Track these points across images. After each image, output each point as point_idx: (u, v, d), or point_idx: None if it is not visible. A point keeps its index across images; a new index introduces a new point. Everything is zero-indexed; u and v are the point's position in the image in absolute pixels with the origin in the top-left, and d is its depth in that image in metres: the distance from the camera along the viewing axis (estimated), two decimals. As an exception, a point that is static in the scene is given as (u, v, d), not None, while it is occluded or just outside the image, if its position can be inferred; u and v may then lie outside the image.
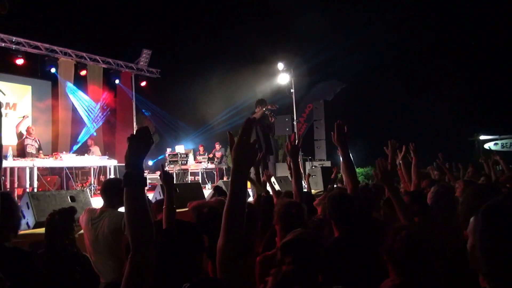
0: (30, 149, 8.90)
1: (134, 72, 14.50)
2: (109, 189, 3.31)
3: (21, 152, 8.74)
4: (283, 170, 11.96)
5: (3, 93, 11.65)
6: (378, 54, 16.22)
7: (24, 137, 9.01)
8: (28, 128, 9.37)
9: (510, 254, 0.82)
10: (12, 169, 8.05)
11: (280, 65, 11.83)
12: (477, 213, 0.90)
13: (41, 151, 9.15)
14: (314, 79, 14.78)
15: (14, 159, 8.01)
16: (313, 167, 11.41)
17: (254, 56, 14.17)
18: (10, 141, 9.36)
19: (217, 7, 16.81)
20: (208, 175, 12.34)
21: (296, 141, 3.12)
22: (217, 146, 13.46)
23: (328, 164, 11.89)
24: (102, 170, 9.84)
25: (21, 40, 11.34)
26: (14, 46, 11.21)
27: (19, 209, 2.52)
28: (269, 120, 8.01)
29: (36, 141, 9.23)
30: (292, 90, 11.89)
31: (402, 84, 17.20)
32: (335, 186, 6.74)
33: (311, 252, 1.78)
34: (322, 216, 3.25)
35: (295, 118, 12.01)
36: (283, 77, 11.85)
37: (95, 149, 11.01)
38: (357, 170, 12.16)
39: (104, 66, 13.60)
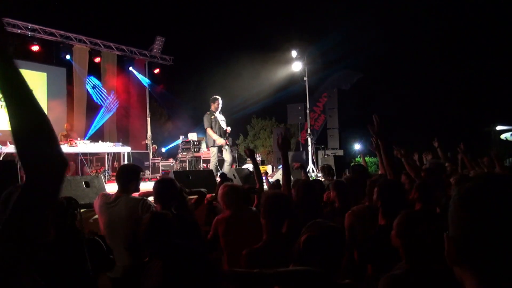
0: None
1: (147, 59, 14.53)
2: (124, 174, 3.34)
3: None
4: (295, 158, 11.93)
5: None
6: (395, 43, 15.93)
7: None
8: None
9: (502, 241, 0.76)
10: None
11: (294, 53, 11.72)
12: (451, 201, 0.84)
13: None
14: (328, 67, 14.61)
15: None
16: (326, 156, 11.36)
17: (267, 43, 14.07)
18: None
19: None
20: (220, 162, 12.35)
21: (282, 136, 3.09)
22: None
23: (341, 153, 11.82)
24: (116, 156, 9.95)
25: (37, 27, 11.43)
26: (29, 33, 11.31)
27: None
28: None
29: None
30: (306, 78, 11.78)
31: (417, 74, 16.90)
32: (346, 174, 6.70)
33: (339, 249, 1.75)
34: (339, 205, 3.24)
35: (308, 107, 11.94)
36: (296, 65, 11.75)
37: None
38: (371, 159, 12.06)
39: (118, 53, 13.65)
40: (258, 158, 13.70)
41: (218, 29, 17.18)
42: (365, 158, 11.65)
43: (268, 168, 12.29)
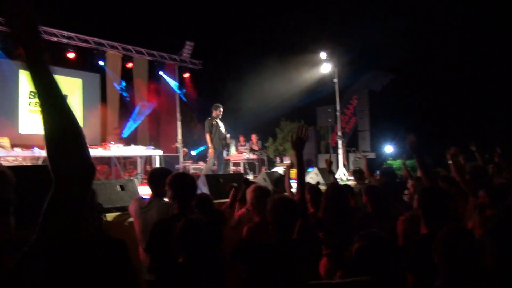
0: None
1: (177, 64, 14.81)
2: (155, 178, 3.43)
3: None
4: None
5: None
6: (429, 42, 15.54)
7: None
8: None
9: None
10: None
11: (323, 54, 11.67)
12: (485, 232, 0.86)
13: None
14: (359, 69, 14.42)
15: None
16: (357, 159, 11.23)
17: (295, 45, 14.03)
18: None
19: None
20: (250, 166, 12.43)
21: (303, 134, 2.96)
22: (254, 139, 13.49)
23: (372, 155, 11.65)
24: (148, 160, 10.20)
25: (72, 34, 11.87)
26: (65, 41, 11.76)
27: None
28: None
29: None
30: (335, 80, 11.71)
31: (451, 74, 16.40)
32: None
33: (390, 258, 1.75)
34: (372, 210, 3.20)
35: (338, 109, 11.84)
36: (325, 67, 11.68)
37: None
38: (407, 162, 11.80)
39: (149, 58, 13.99)
40: (288, 161, 13.67)
41: (246, 32, 17.30)
42: (397, 161, 11.44)
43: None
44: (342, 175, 10.93)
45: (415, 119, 13.89)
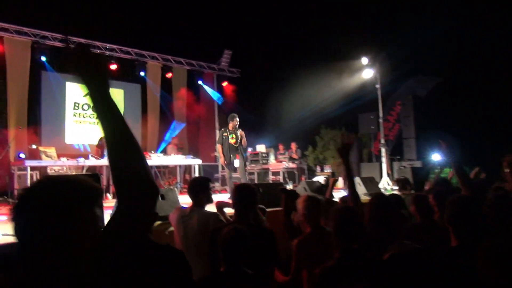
0: None
1: (215, 73, 15.06)
2: (195, 187, 3.48)
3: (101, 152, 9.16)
4: (368, 170, 11.60)
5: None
6: (476, 44, 14.91)
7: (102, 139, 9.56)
8: None
9: None
10: (108, 167, 8.85)
11: (364, 59, 11.49)
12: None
13: None
14: (402, 73, 14.04)
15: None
16: (402, 168, 10.90)
17: (336, 51, 13.86)
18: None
19: (296, 3, 16.79)
20: (290, 175, 12.36)
21: (349, 139, 2.93)
22: (293, 147, 13.40)
23: (418, 164, 11.26)
24: (187, 168, 10.37)
25: (114, 46, 12.38)
26: (108, 53, 12.27)
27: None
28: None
29: None
30: (378, 86, 11.50)
31: (501, 78, 15.60)
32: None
33: (425, 271, 1.68)
34: (420, 220, 3.08)
35: (380, 115, 11.59)
36: (367, 72, 11.49)
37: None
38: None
39: (188, 68, 14.32)
40: (328, 170, 13.50)
41: (285, 38, 17.33)
42: (445, 170, 10.98)
43: (340, 181, 12.06)
44: (386, 185, 10.63)
45: (464, 125, 13.30)
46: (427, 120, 12.80)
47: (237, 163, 8.07)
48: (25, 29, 10.71)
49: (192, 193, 3.48)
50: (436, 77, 13.79)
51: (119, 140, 1.17)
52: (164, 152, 11.03)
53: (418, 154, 12.21)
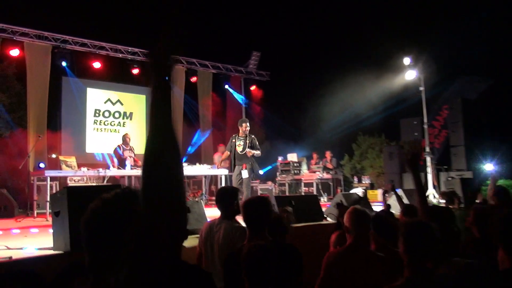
0: (129, 160, 9.25)
1: (243, 76, 15.18)
2: (222, 198, 3.54)
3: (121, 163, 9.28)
4: (412, 181, 11.34)
5: (121, 103, 13.17)
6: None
7: (121, 147, 9.59)
8: (125, 135, 9.96)
9: None
10: (129, 178, 9.05)
11: (406, 60, 11.32)
12: None
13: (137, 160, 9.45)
14: (449, 74, 13.72)
15: (131, 168, 8.95)
16: (449, 179, 10.62)
17: (375, 51, 13.72)
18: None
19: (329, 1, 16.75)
20: (324, 186, 12.27)
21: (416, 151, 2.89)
22: (328, 156, 13.29)
23: (469, 175, 10.95)
24: (213, 179, 10.45)
25: (136, 49, 12.69)
26: (130, 57, 12.60)
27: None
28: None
29: (132, 150, 9.72)
30: (421, 88, 11.30)
31: None
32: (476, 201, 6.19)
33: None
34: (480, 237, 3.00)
35: (425, 121, 11.36)
36: (410, 74, 11.31)
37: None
38: (506, 182, 10.95)
39: (213, 71, 14.50)
40: (367, 181, 13.31)
41: (317, 38, 17.29)
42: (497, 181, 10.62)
43: (378, 193, 11.86)
44: (432, 198, 10.39)
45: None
46: (477, 126, 12.42)
47: (244, 173, 7.87)
48: (46, 33, 11.14)
49: (219, 204, 3.53)
50: (488, 78, 13.39)
51: (164, 150, 1.20)
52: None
53: (468, 163, 11.84)
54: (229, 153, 8.31)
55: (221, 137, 15.12)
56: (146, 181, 1.13)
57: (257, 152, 8.11)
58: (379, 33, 13.37)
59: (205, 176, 10.34)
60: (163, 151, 1.17)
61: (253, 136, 8.20)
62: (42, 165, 9.59)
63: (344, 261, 2.84)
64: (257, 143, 8.20)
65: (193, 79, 14.08)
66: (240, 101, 15.26)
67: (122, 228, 1.16)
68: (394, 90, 12.75)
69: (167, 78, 1.24)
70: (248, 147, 7.99)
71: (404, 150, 12.49)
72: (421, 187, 2.77)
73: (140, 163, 9.26)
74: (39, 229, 5.96)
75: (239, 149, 8.02)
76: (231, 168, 8.25)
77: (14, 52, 10.77)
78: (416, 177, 2.78)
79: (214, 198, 10.61)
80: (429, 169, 11.02)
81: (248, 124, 8.22)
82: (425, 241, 2.21)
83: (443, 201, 7.35)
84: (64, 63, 11.48)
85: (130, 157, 9.46)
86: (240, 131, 8.16)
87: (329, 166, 13.05)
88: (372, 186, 13.40)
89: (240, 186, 7.78)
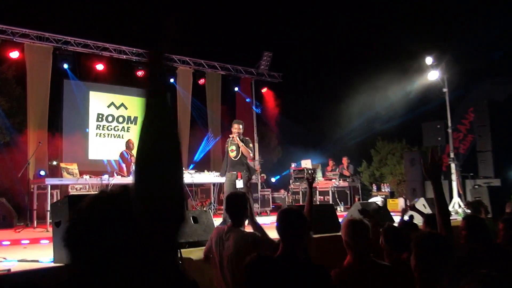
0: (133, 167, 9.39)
1: (254, 78, 15.21)
2: (232, 204, 3.56)
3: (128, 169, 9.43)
4: (435, 190, 11.24)
5: (125, 107, 13.29)
6: None
7: (124, 154, 9.72)
8: (128, 141, 10.06)
9: None
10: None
11: (428, 59, 11.24)
12: None
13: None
14: (475, 75, 13.60)
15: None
16: (476, 187, 10.49)
17: (394, 50, 13.67)
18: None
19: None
20: (340, 195, 12.21)
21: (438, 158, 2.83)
22: (345, 162, 13.24)
23: (496, 183, 10.81)
24: (222, 188, 10.45)
25: (141, 50, 12.79)
26: (134, 58, 12.71)
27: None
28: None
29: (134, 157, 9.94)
30: (445, 90, 11.21)
31: None
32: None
33: None
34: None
35: (449, 125, 11.27)
36: (432, 74, 11.24)
37: None
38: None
39: (222, 72, 14.56)
40: (387, 189, 13.22)
41: (333, 37, 17.28)
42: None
43: (399, 202, 11.77)
44: (457, 207, 10.28)
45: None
46: (506, 130, 12.27)
47: (240, 183, 7.32)
48: (47, 34, 11.28)
49: (229, 211, 3.56)
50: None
51: (163, 149, 1.13)
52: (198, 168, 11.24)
53: (496, 170, 11.68)
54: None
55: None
56: (140, 186, 1.10)
57: (249, 151, 7.55)
58: (399, 31, 13.33)
59: (214, 184, 10.34)
60: (158, 153, 1.12)
61: (247, 138, 7.77)
62: (42, 172, 9.71)
63: (351, 279, 2.77)
64: (251, 146, 7.70)
65: (201, 81, 14.16)
66: (250, 104, 15.28)
67: (112, 235, 1.15)
68: (415, 92, 12.67)
69: (161, 79, 1.20)
70: (241, 151, 7.51)
71: (422, 157, 12.40)
72: (442, 198, 2.71)
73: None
74: (39, 240, 6.03)
75: (232, 154, 7.54)
76: (222, 173, 7.78)
77: (14, 54, 10.90)
78: (437, 187, 2.71)
79: (223, 207, 10.65)
80: (453, 177, 10.90)
81: (240, 126, 7.64)
82: (437, 255, 2.18)
83: (469, 211, 7.29)
84: (65, 66, 11.60)
85: (133, 163, 9.55)
86: (232, 133, 7.64)
87: (346, 173, 12.98)
88: (392, 195, 13.29)
89: None
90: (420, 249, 2.23)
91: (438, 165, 2.73)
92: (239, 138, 7.45)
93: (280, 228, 2.80)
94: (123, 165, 9.58)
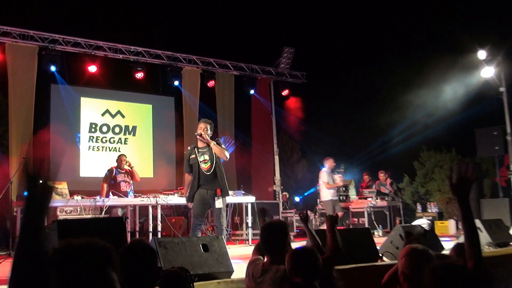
0: (125, 187, 9.49)
1: (272, 78, 15.22)
2: (268, 236, 3.52)
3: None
4: (492, 209, 11.09)
5: (121, 115, 13.39)
6: None
7: (114, 171, 9.80)
8: (120, 158, 10.06)
9: None
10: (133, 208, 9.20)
11: (481, 53, 11.16)
12: None
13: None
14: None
15: (135, 196, 9.09)
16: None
17: (440, 43, 13.60)
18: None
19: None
20: (378, 216, 12.10)
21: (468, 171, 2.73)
22: (383, 177, 13.12)
23: None
24: (237, 208, 10.45)
25: (140, 49, 12.95)
26: (132, 58, 12.84)
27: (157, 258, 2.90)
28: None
29: (128, 174, 9.91)
30: (502, 89, 11.11)
31: None
32: None
33: None
34: None
35: (508, 131, 11.14)
36: (486, 71, 11.15)
37: None
38: None
39: (235, 73, 14.60)
40: (434, 209, 13.07)
41: (365, 28, 17.23)
42: None
43: (450, 224, 11.62)
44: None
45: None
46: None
47: (219, 202, 6.87)
48: (31, 32, 11.45)
49: (264, 245, 3.52)
50: None
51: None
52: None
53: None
54: (189, 176, 7.16)
55: (247, 156, 15.15)
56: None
57: (223, 150, 7.04)
58: (446, 20, 13.26)
59: (227, 205, 10.34)
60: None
61: (217, 138, 7.31)
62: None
63: None
64: (223, 146, 7.19)
65: (211, 83, 14.20)
66: (269, 109, 15.28)
67: None
68: (467, 92, 12.58)
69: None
70: (215, 159, 6.87)
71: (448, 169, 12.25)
72: (470, 221, 2.62)
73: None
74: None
75: (205, 166, 6.86)
76: (190, 198, 7.03)
77: (-6, 56, 11.09)
78: (465, 208, 2.62)
79: (238, 232, 10.62)
80: (515, 193, 10.78)
81: (208, 126, 6.98)
82: None
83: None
84: (53, 68, 11.68)
85: (125, 181, 9.63)
86: (198, 137, 6.94)
87: (384, 190, 12.87)
88: (440, 216, 13.13)
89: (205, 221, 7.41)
90: (433, 284, 2.20)
91: (468, 181, 2.64)
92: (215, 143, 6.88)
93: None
94: (105, 185, 9.62)
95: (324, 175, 11.25)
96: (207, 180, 6.86)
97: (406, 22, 15.73)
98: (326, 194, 11.21)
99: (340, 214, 10.69)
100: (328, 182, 11.12)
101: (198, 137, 6.93)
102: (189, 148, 7.22)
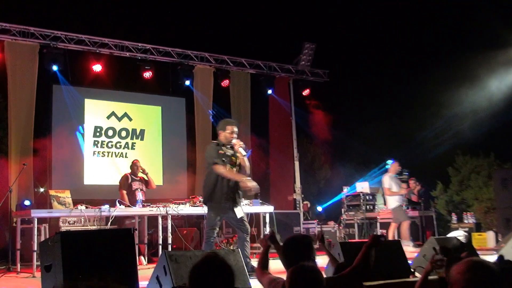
0: (140, 197, 9.39)
1: (292, 77, 15.21)
2: (291, 253, 3.51)
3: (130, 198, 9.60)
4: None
5: (128, 118, 13.44)
6: None
7: (129, 178, 9.95)
8: (134, 164, 10.24)
9: None
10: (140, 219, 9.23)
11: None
12: None
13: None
14: None
15: (143, 205, 9.12)
16: None
17: (477, 37, 13.49)
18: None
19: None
20: (410, 227, 11.99)
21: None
22: (413, 184, 12.99)
23: None
24: (254, 219, 10.42)
25: (149, 46, 12.99)
26: (140, 56, 12.88)
27: None
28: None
29: (142, 182, 10.07)
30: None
31: None
32: None
33: None
34: None
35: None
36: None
37: None
38: None
39: (251, 71, 14.60)
40: (471, 220, 12.92)
41: (394, 21, 17.14)
42: None
43: (489, 236, 11.48)
44: None
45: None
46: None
47: (239, 211, 6.84)
48: (32, 29, 11.54)
49: (287, 261, 3.50)
50: None
51: None
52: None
53: None
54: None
55: (265, 160, 15.13)
56: None
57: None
58: (484, 10, 13.15)
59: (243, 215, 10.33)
60: None
61: (238, 140, 6.99)
62: (27, 202, 9.88)
63: None
64: None
65: (225, 82, 14.21)
66: (288, 111, 15.26)
67: None
68: (504, 90, 12.48)
69: None
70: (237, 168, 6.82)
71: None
72: None
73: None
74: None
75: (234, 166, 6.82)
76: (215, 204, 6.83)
77: (-8, 55, 11.20)
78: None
79: (255, 245, 10.62)
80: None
81: (235, 128, 6.92)
82: None
83: None
84: (55, 67, 11.72)
85: (141, 189, 9.67)
86: (223, 136, 6.86)
87: (415, 199, 12.76)
88: (478, 227, 12.99)
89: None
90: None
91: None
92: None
93: None
94: (124, 192, 9.71)
95: (386, 180, 10.95)
96: (233, 186, 6.78)
97: (442, 13, 15.63)
98: (392, 200, 10.91)
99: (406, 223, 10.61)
100: (389, 188, 10.80)
101: (233, 142, 6.78)
102: (212, 145, 6.93)
